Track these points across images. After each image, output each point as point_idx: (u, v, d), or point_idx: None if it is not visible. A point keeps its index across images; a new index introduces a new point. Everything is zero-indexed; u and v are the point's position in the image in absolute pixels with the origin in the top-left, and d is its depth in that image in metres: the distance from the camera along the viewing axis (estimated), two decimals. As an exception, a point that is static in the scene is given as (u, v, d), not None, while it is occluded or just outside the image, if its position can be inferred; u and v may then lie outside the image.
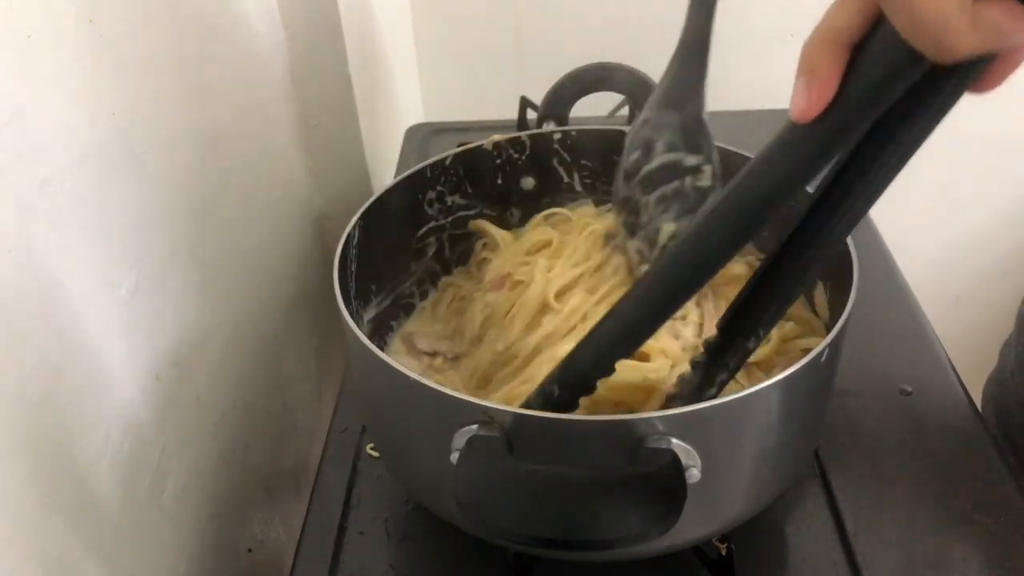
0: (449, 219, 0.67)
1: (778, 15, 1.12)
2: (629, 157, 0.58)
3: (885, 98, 0.31)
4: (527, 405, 0.49)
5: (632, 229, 0.59)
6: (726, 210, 0.39)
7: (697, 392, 0.46)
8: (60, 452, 0.44)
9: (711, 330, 0.47)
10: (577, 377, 0.48)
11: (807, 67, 0.31)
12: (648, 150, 0.57)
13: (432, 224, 0.66)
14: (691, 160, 0.56)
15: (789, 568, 0.54)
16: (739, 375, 0.54)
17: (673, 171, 0.56)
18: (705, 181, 0.56)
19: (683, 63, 0.55)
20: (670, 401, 0.49)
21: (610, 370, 0.47)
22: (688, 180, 0.56)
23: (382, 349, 0.55)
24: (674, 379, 0.49)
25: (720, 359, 0.46)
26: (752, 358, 0.55)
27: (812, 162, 0.34)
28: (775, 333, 0.57)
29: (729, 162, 0.62)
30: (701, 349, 0.47)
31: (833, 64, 0.31)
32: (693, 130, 0.56)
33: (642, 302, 0.45)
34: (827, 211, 0.38)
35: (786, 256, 0.41)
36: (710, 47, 0.53)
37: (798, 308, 0.60)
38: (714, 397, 0.46)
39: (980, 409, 0.65)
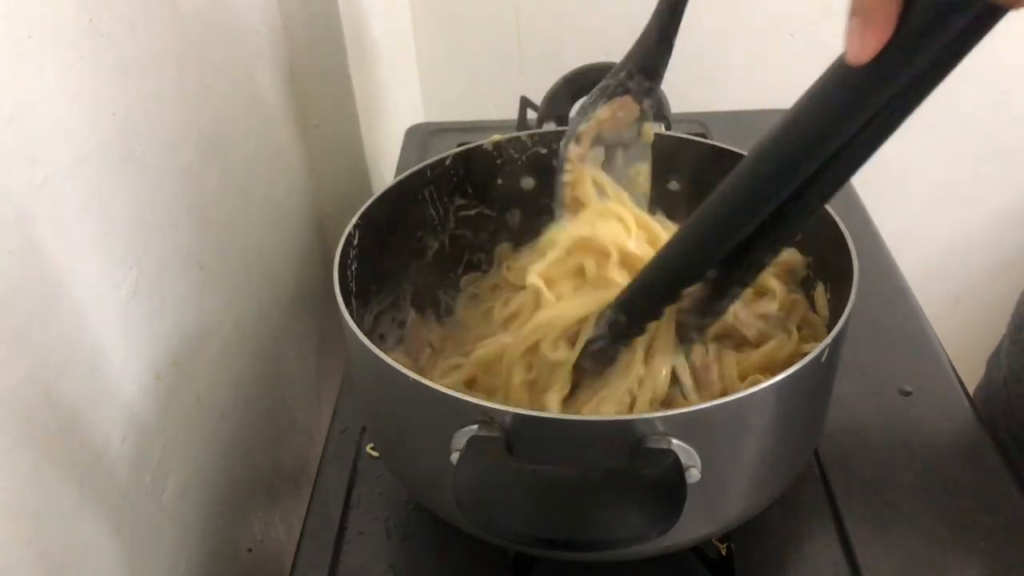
0: (449, 219, 0.67)
1: (778, 15, 1.12)
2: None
3: (943, 34, 0.30)
4: (590, 340, 0.50)
5: None
6: (779, 145, 0.38)
7: (707, 303, 0.46)
8: (60, 452, 0.44)
9: None
10: (646, 301, 0.47)
11: (860, 8, 0.30)
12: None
13: (432, 224, 0.66)
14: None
15: (789, 568, 0.54)
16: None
17: None
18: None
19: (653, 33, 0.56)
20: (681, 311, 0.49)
21: (675, 297, 0.46)
22: None
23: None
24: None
25: (733, 272, 0.44)
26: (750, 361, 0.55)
27: (865, 101, 0.33)
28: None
29: (729, 162, 0.62)
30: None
31: (888, 4, 0.29)
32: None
33: (692, 236, 0.44)
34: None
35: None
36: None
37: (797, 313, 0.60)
38: (724, 310, 0.46)
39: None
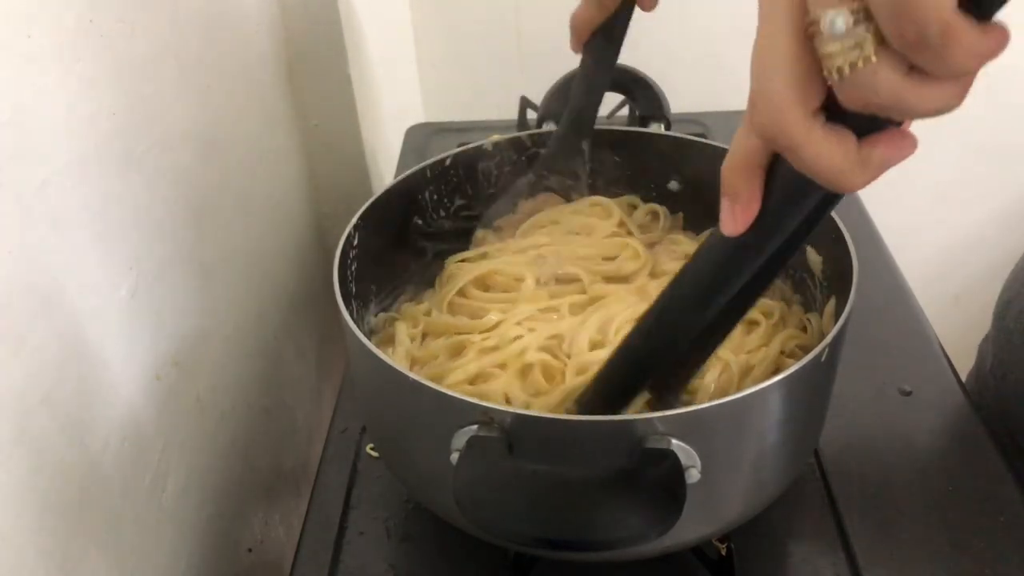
0: (449, 219, 0.67)
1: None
2: None
3: (804, 204, 0.34)
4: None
5: None
6: (682, 294, 0.42)
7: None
8: (60, 452, 0.44)
9: None
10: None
11: (728, 191, 0.34)
12: None
13: (432, 224, 0.66)
14: None
15: (789, 568, 0.54)
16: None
17: None
18: None
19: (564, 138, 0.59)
20: None
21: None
22: None
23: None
24: None
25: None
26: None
27: (749, 259, 0.37)
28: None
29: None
30: None
31: (750, 187, 0.34)
32: None
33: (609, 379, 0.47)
34: None
35: None
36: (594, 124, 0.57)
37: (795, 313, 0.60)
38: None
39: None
